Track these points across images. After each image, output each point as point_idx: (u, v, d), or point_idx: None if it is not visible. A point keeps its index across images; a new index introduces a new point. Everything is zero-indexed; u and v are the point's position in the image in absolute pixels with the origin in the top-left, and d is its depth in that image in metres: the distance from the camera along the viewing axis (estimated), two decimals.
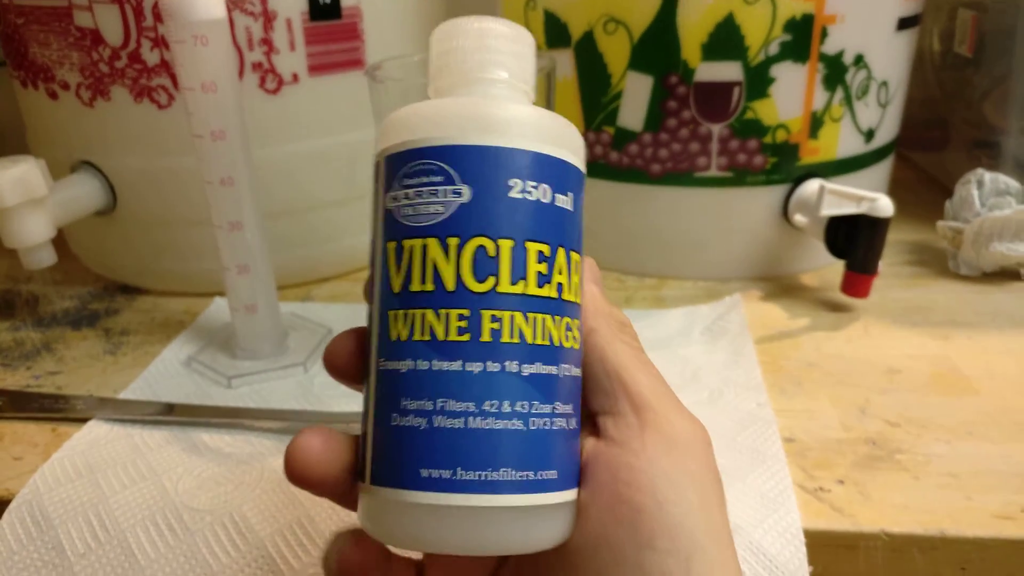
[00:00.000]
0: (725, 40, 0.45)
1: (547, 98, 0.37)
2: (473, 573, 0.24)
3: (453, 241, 0.19)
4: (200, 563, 0.31)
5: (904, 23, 0.48)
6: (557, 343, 0.20)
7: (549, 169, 0.20)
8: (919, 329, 0.44)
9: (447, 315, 0.19)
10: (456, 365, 0.19)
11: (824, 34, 0.45)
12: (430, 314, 0.19)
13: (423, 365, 0.19)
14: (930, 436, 0.35)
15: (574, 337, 0.21)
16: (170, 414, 0.38)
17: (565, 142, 0.21)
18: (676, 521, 0.19)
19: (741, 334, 0.43)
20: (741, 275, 0.51)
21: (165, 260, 0.50)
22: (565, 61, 0.49)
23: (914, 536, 0.30)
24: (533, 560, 0.23)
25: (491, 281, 0.19)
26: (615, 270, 0.52)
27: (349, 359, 0.22)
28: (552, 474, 0.20)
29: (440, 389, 0.19)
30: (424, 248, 0.19)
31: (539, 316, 0.20)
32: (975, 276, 0.49)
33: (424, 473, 0.19)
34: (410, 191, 0.20)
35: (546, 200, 0.20)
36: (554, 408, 0.20)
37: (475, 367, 0.19)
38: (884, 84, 0.49)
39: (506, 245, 0.19)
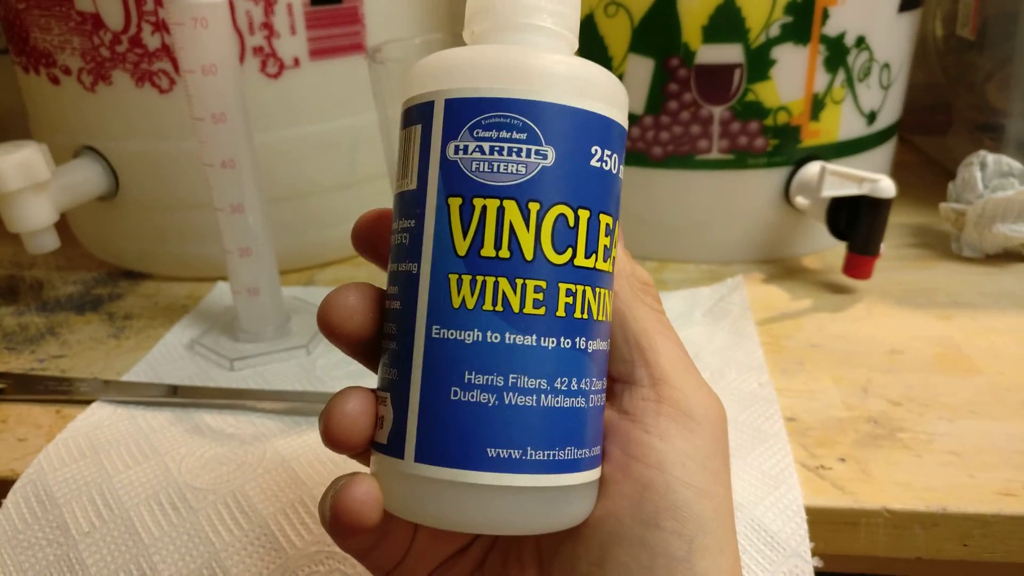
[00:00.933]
0: (726, 22, 0.44)
1: None
2: (460, 534, 0.24)
3: (534, 206, 0.18)
4: (203, 541, 0.31)
5: (906, 4, 0.48)
6: (609, 318, 0.20)
7: (619, 139, 0.20)
8: (922, 310, 0.44)
9: (523, 285, 0.18)
10: (530, 340, 0.18)
11: (825, 16, 0.45)
12: (504, 283, 0.18)
13: (494, 337, 0.18)
14: (932, 415, 0.35)
15: (610, 309, 0.20)
16: (173, 396, 0.38)
17: (623, 109, 0.20)
18: (684, 502, 0.19)
19: (743, 315, 0.43)
20: (743, 258, 0.51)
21: (167, 245, 0.50)
22: None
23: (916, 513, 0.30)
24: None
25: (569, 253, 0.18)
26: None
27: (346, 317, 0.20)
28: (596, 450, 0.20)
29: (512, 364, 0.18)
30: (501, 210, 0.18)
31: (602, 291, 0.19)
32: (978, 258, 0.49)
33: (491, 453, 0.18)
34: (484, 144, 0.18)
35: (614, 171, 0.19)
36: (603, 385, 0.20)
37: (549, 342, 0.18)
38: (886, 66, 0.48)
39: (584, 216, 0.18)
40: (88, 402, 0.38)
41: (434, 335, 0.18)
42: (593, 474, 0.20)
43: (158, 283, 0.51)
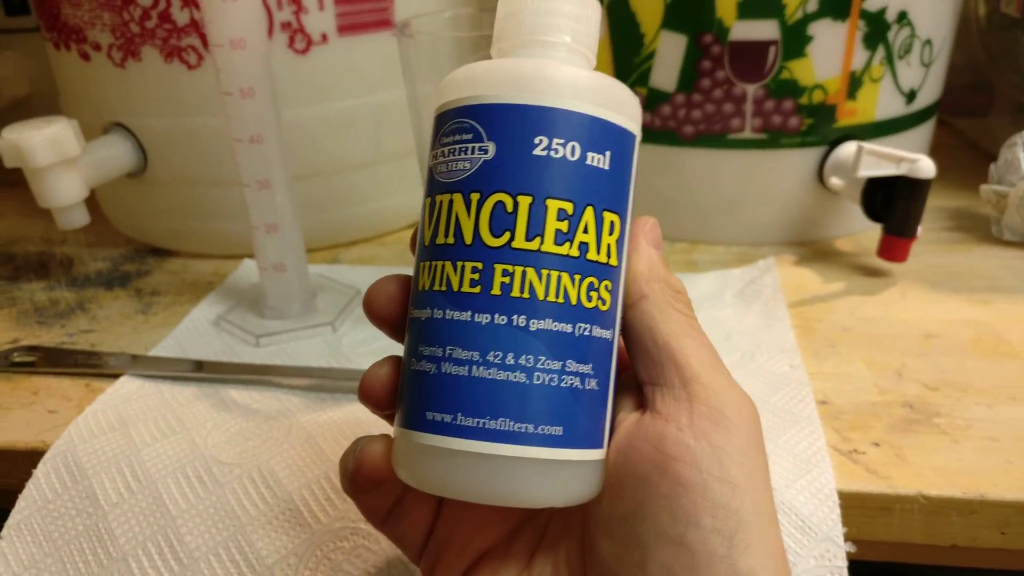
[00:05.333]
0: None
1: None
2: (488, 523, 0.24)
3: (475, 196, 0.20)
4: (229, 514, 0.31)
5: None
6: (575, 302, 0.20)
7: (580, 127, 0.20)
8: (958, 294, 0.43)
9: (463, 267, 0.20)
10: (465, 315, 0.20)
11: None
12: (448, 266, 0.20)
13: (438, 314, 0.20)
14: (970, 400, 0.34)
15: (601, 298, 0.20)
16: (199, 371, 0.38)
17: (605, 101, 0.20)
18: (722, 499, 0.19)
19: (774, 297, 0.42)
20: (774, 239, 0.50)
21: (194, 221, 0.50)
22: None
23: (953, 499, 0.29)
24: (562, 521, 0.23)
25: (506, 236, 0.20)
26: None
27: (387, 303, 0.22)
28: (556, 430, 0.20)
29: (449, 337, 0.20)
30: (450, 203, 0.20)
31: (554, 273, 0.20)
32: (1019, 241, 0.48)
33: (429, 416, 0.20)
34: (445, 149, 0.21)
35: (573, 158, 0.20)
36: (564, 366, 0.20)
37: (483, 318, 0.19)
38: (928, 43, 0.47)
39: (524, 201, 0.20)
40: (116, 376, 0.39)
41: (409, 315, 0.21)
42: (544, 452, 0.19)
43: (184, 260, 0.51)
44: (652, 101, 0.48)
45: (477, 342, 0.19)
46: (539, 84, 0.20)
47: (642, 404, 0.21)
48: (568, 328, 0.20)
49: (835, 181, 0.46)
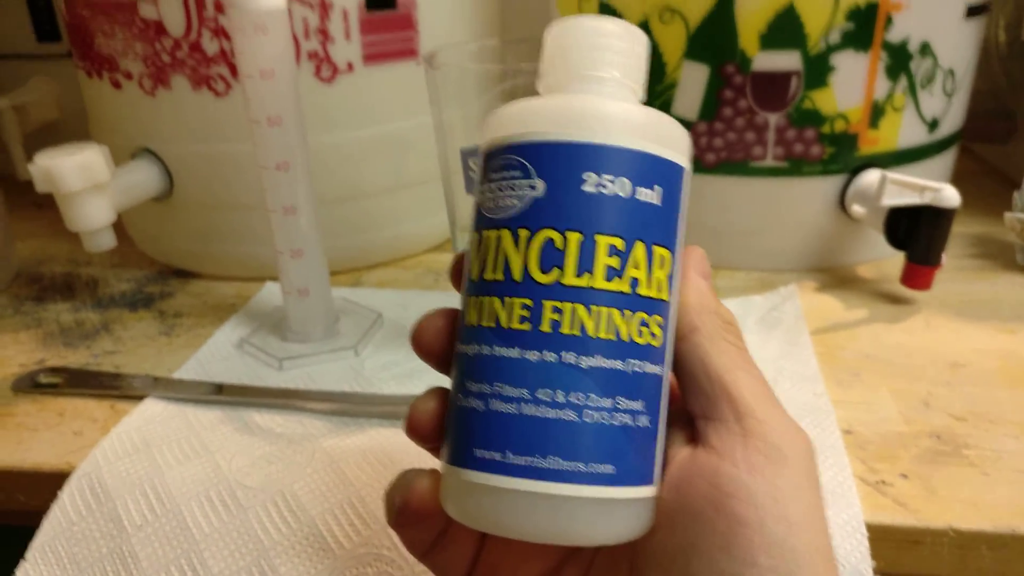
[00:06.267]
0: (784, 29, 0.44)
1: None
2: (533, 556, 0.24)
3: (524, 233, 0.20)
4: (252, 539, 0.31)
5: (973, 11, 0.46)
6: (626, 338, 0.20)
7: (629, 163, 0.20)
8: (985, 323, 0.42)
9: (512, 303, 0.20)
10: (514, 352, 0.19)
11: (888, 22, 0.44)
12: (496, 302, 0.20)
13: (486, 350, 0.20)
14: (999, 431, 0.34)
15: (652, 334, 0.20)
16: (222, 394, 0.38)
17: (654, 136, 0.20)
18: (779, 538, 0.19)
19: (796, 324, 0.42)
20: (795, 266, 0.50)
21: (218, 244, 0.51)
22: None
23: (983, 533, 0.29)
24: (609, 556, 0.23)
25: (556, 273, 0.20)
26: None
27: (435, 337, 0.22)
28: (607, 468, 0.19)
29: (498, 374, 0.20)
30: (498, 239, 0.20)
31: (604, 309, 0.20)
32: None
33: (477, 453, 0.20)
34: (493, 185, 0.21)
35: (623, 194, 0.20)
36: (615, 403, 0.19)
37: (532, 355, 0.19)
38: (950, 72, 0.47)
39: (573, 238, 0.20)
40: (141, 398, 0.39)
41: (456, 350, 0.21)
42: (595, 491, 0.19)
43: (207, 282, 0.52)
44: None
45: (526, 379, 0.19)
46: (587, 120, 0.20)
47: (694, 438, 0.21)
48: (619, 365, 0.20)
49: (857, 209, 0.46)
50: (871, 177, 0.46)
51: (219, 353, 0.43)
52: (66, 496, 0.33)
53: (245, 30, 0.37)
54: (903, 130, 0.47)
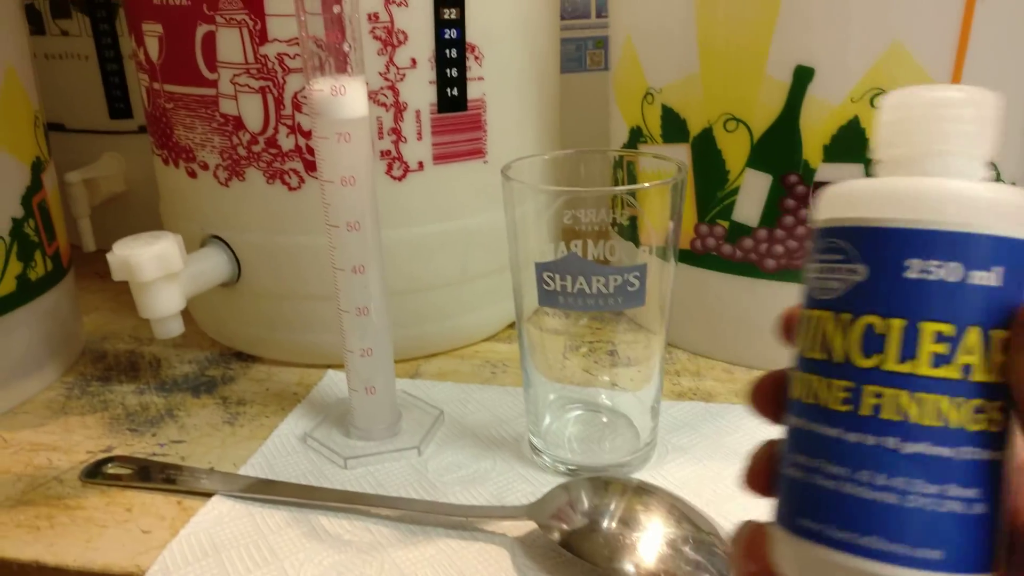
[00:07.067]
0: (849, 142, 0.44)
1: (673, 208, 0.37)
2: None
3: (845, 317, 0.20)
4: None
5: None
6: (956, 425, 0.19)
7: (960, 246, 0.19)
8: None
9: (832, 385, 0.20)
10: (834, 432, 0.20)
11: None
12: (817, 381, 0.21)
13: (808, 426, 0.21)
14: None
15: (990, 419, 0.19)
16: (289, 495, 0.39)
17: (989, 214, 0.19)
18: None
19: None
20: None
21: (281, 332, 0.52)
22: (681, 155, 0.49)
23: None
24: None
25: (877, 358, 0.20)
26: (724, 360, 0.52)
27: (763, 402, 0.23)
28: (934, 554, 0.19)
29: (818, 450, 0.20)
30: (820, 320, 0.21)
31: (930, 396, 0.19)
32: None
33: (800, 522, 0.20)
34: (818, 266, 0.21)
35: (954, 279, 0.19)
36: (944, 491, 0.19)
37: (852, 437, 0.20)
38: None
39: (896, 324, 0.19)
40: (208, 495, 0.39)
41: (785, 412, 0.22)
42: (913, 573, 0.19)
43: (268, 367, 0.53)
44: (734, 234, 0.48)
45: (846, 459, 0.20)
46: (906, 202, 0.20)
47: None
48: (947, 452, 0.19)
49: None
50: None
51: (284, 447, 0.43)
52: None
53: (328, 138, 0.38)
54: None
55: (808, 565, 0.20)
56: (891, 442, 0.19)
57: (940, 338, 0.19)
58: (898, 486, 0.19)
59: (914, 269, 0.19)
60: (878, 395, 0.19)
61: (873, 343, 0.20)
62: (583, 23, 0.74)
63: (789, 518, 0.21)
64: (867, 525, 0.19)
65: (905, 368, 0.19)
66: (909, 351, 0.19)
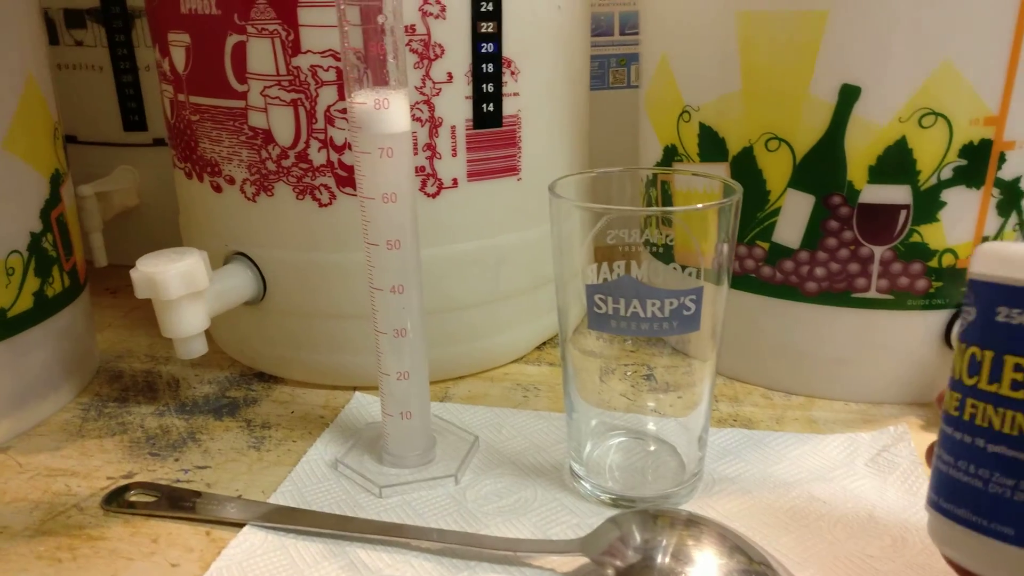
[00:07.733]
0: (895, 163, 0.43)
1: (727, 231, 0.36)
2: None
3: (962, 345, 0.27)
4: None
5: None
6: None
7: None
8: None
9: (953, 396, 0.27)
10: (948, 430, 0.27)
11: (1002, 159, 0.43)
12: (948, 393, 0.27)
13: (946, 428, 0.27)
14: None
15: None
16: (323, 526, 0.37)
17: None
18: None
19: (913, 471, 0.41)
20: (896, 398, 0.48)
21: (306, 352, 0.50)
22: (720, 175, 0.48)
23: None
24: None
25: (975, 379, 0.26)
26: (761, 385, 0.50)
27: None
28: (1008, 530, 0.25)
29: (942, 443, 0.27)
30: (957, 347, 0.27)
31: (1009, 412, 0.25)
32: None
33: (930, 493, 0.28)
34: (963, 306, 0.28)
35: None
36: (1019, 484, 0.25)
37: (957, 435, 0.27)
38: None
39: (988, 355, 0.26)
40: (238, 524, 0.37)
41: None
42: (994, 543, 0.25)
43: (292, 388, 0.51)
44: (774, 256, 0.47)
45: (953, 451, 0.27)
46: (999, 261, 0.26)
47: None
48: (1021, 456, 0.25)
49: None
50: None
51: (314, 474, 0.42)
52: None
53: (370, 153, 0.37)
54: None
55: (930, 524, 0.28)
56: (980, 442, 0.26)
57: (1018, 368, 0.25)
58: (984, 475, 0.26)
59: (1002, 314, 0.25)
60: (974, 406, 0.26)
61: (974, 367, 0.26)
62: (606, 40, 0.73)
63: (935, 499, 0.27)
64: (962, 500, 0.26)
65: (992, 388, 0.26)
66: (996, 376, 0.26)
